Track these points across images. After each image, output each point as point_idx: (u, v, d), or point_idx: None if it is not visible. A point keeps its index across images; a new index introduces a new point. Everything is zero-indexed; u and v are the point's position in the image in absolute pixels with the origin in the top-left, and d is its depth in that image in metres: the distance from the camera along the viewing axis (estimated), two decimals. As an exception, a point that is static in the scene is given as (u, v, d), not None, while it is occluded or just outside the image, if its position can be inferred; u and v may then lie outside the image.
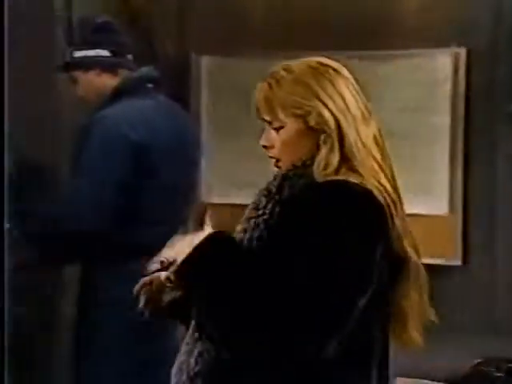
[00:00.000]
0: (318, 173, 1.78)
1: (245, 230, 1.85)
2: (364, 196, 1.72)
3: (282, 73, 1.87)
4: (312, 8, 4.24)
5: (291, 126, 1.84)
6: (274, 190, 1.82)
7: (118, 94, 3.06)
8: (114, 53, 3.12)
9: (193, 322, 1.86)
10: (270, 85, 1.87)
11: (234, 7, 4.42)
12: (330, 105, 1.80)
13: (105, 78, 3.10)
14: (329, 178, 1.74)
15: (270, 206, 1.80)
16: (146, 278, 2.02)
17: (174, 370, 1.89)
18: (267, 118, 1.86)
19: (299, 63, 1.88)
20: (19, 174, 3.32)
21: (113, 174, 2.93)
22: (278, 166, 1.87)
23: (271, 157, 1.88)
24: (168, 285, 1.93)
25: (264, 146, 1.89)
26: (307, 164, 1.82)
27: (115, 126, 2.95)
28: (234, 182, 4.39)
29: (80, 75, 3.11)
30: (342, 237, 1.65)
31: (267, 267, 1.65)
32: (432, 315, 1.89)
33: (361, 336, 1.74)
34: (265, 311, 1.61)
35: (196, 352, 1.82)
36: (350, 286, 1.64)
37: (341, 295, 1.62)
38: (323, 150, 1.79)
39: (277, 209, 1.78)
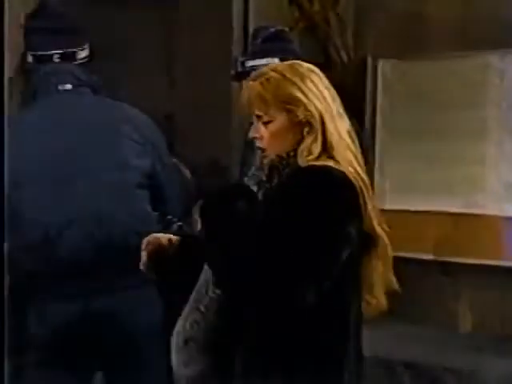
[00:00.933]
0: (302, 160, 2.05)
1: None
2: (340, 177, 2.01)
3: (272, 73, 2.11)
4: (489, 6, 4.15)
5: (280, 120, 2.09)
6: (264, 178, 2.10)
7: None
8: (283, 61, 3.18)
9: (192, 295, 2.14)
10: (261, 83, 2.09)
11: (409, 10, 4.39)
12: (315, 101, 2.07)
13: None
14: (311, 163, 2.04)
15: (261, 193, 2.09)
16: (150, 237, 2.31)
17: (174, 332, 2.16)
18: (259, 113, 2.10)
19: (284, 65, 2.15)
20: (197, 173, 3.43)
21: None
22: (264, 156, 2.13)
23: (259, 147, 2.12)
24: (168, 246, 2.27)
25: (254, 137, 2.12)
26: (291, 155, 2.08)
27: None
28: (409, 187, 4.35)
29: None
30: (324, 209, 1.96)
31: (264, 232, 1.95)
32: (395, 284, 2.15)
33: (338, 304, 2.04)
34: (262, 264, 1.91)
35: (191, 318, 2.10)
36: (327, 246, 1.95)
37: (321, 253, 1.93)
38: (308, 140, 2.07)
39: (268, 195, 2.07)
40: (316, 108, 2.06)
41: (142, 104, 3.02)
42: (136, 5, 3.97)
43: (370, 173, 2.34)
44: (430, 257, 4.32)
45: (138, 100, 3.13)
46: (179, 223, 2.96)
